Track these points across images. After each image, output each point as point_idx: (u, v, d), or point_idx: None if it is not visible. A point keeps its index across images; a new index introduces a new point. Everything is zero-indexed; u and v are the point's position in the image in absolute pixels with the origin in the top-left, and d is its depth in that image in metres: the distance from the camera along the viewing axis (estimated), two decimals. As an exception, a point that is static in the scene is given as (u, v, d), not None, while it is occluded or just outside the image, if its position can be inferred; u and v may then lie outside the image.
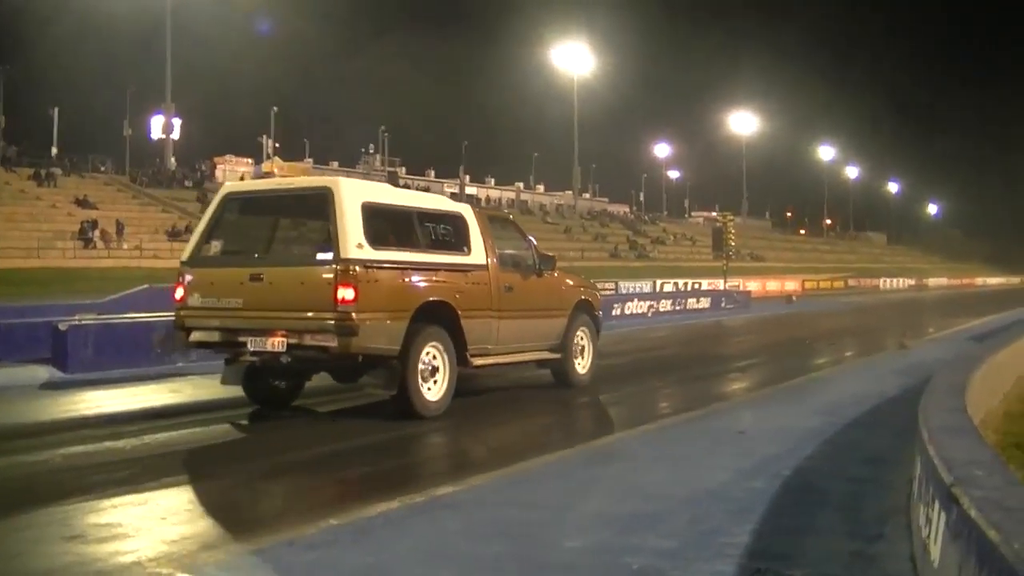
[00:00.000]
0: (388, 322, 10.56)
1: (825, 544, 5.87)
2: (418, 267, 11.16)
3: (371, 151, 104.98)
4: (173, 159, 68.35)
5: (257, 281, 10.57)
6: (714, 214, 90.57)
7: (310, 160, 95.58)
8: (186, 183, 65.38)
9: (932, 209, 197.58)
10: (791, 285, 71.51)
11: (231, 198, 11.74)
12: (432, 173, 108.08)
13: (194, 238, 11.57)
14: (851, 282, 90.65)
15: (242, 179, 72.60)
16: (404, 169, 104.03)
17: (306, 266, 10.53)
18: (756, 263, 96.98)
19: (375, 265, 10.44)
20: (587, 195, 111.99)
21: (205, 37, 72.04)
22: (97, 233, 49.39)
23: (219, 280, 10.92)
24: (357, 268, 10.20)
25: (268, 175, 79.95)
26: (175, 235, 52.87)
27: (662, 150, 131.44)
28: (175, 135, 68.30)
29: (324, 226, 10.63)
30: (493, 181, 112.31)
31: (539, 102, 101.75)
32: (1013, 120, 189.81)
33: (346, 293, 10.11)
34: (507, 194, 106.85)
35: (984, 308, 40.23)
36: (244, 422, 10.95)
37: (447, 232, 12.02)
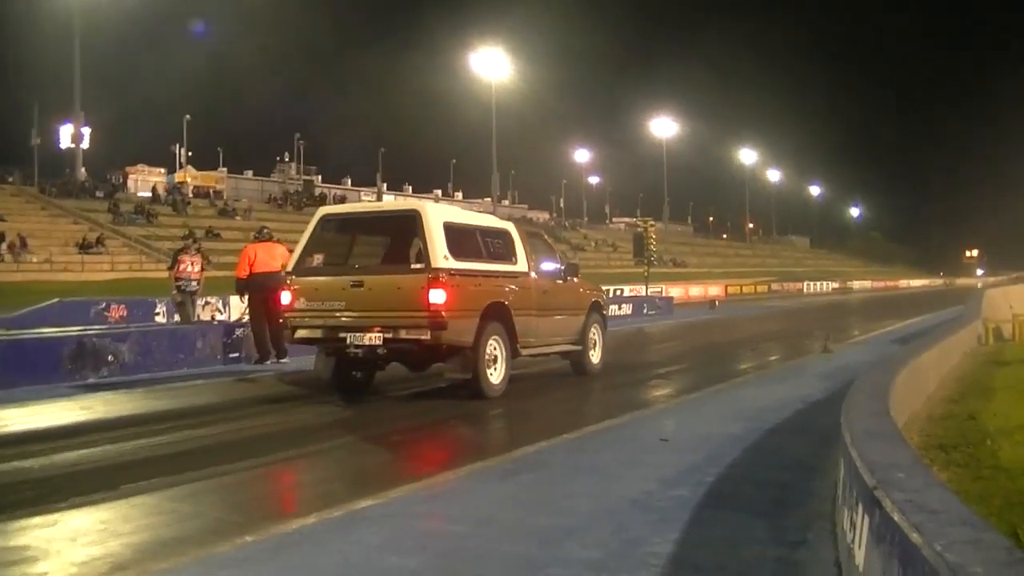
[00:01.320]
0: (465, 319, 13.14)
1: (749, 552, 5.86)
2: (483, 274, 13.81)
3: (286, 159, 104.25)
4: (83, 169, 67.04)
5: (358, 287, 13.16)
6: (635, 220, 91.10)
7: (224, 169, 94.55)
8: (97, 193, 64.37)
9: (854, 212, 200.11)
10: (714, 290, 72.48)
11: (327, 219, 14.40)
12: (349, 181, 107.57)
13: (296, 252, 13.99)
14: (774, 286, 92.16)
15: (154, 188, 72.04)
16: (320, 177, 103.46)
17: (402, 275, 13.09)
18: (678, 269, 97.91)
19: (457, 273, 13.00)
20: (506, 202, 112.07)
21: (116, 45, 71.08)
22: (4, 246, 48.42)
23: (323, 287, 13.46)
24: (445, 276, 12.75)
25: (181, 184, 79.10)
26: (86, 248, 52.07)
27: (582, 156, 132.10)
28: (84, 144, 66.91)
29: (414, 242, 13.34)
30: (411, 189, 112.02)
31: (457, 109, 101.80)
32: (935, 122, 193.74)
33: (437, 296, 12.68)
34: (415, 200, 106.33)
35: (907, 310, 41.09)
36: (159, 439, 10.74)
37: (499, 245, 14.67)
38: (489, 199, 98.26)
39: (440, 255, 12.84)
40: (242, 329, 18.55)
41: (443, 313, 12.69)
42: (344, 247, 14.88)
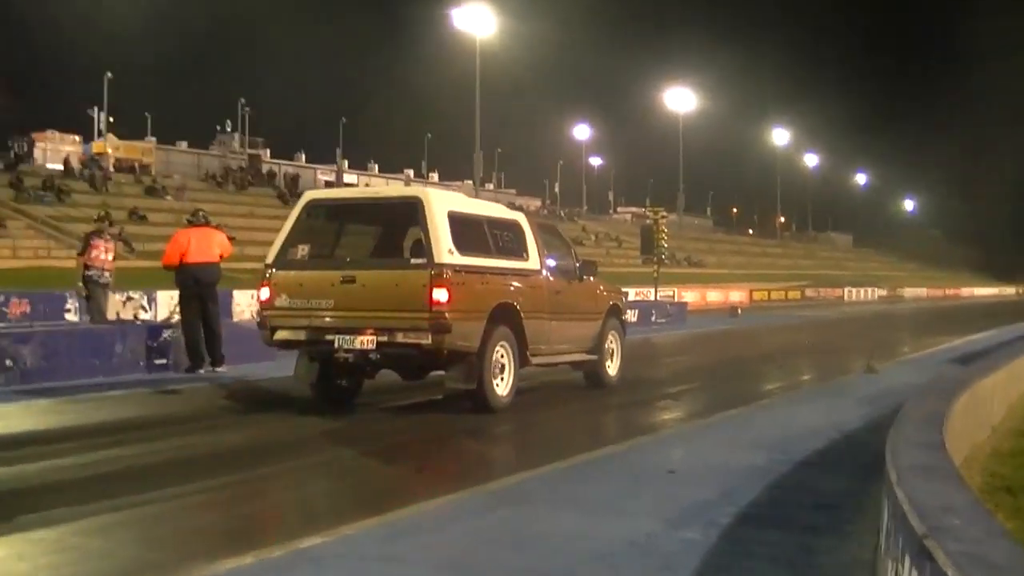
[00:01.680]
0: (471, 322, 13.50)
1: (771, 609, 5.83)
2: (492, 272, 14.25)
3: (228, 129, 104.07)
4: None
5: (349, 283, 13.50)
6: (644, 210, 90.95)
7: (152, 139, 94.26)
8: (-2, 164, 64.22)
9: (908, 206, 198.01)
10: (736, 295, 72.62)
11: (314, 204, 14.93)
12: (303, 157, 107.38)
13: (277, 242, 14.31)
14: (809, 292, 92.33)
15: (66, 160, 71.69)
16: (268, 152, 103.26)
17: (401, 270, 13.51)
18: (694, 269, 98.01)
19: (462, 269, 13.40)
20: (490, 186, 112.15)
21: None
22: None
23: (309, 282, 13.82)
24: (449, 272, 13.11)
25: (100, 156, 78.79)
26: (-14, 226, 51.85)
27: (582, 132, 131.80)
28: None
29: (414, 233, 13.99)
30: (377, 168, 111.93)
31: (435, 74, 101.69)
32: (1009, 101, 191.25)
33: (440, 295, 13.00)
34: (394, 183, 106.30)
35: (971, 324, 40.93)
36: (65, 460, 10.66)
37: (509, 239, 15.11)
38: (470, 182, 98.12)
39: (444, 249, 13.22)
40: (171, 331, 18.44)
41: (447, 314, 13.04)
42: (333, 237, 15.34)
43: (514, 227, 15.49)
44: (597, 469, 9.93)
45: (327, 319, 13.61)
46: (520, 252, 15.21)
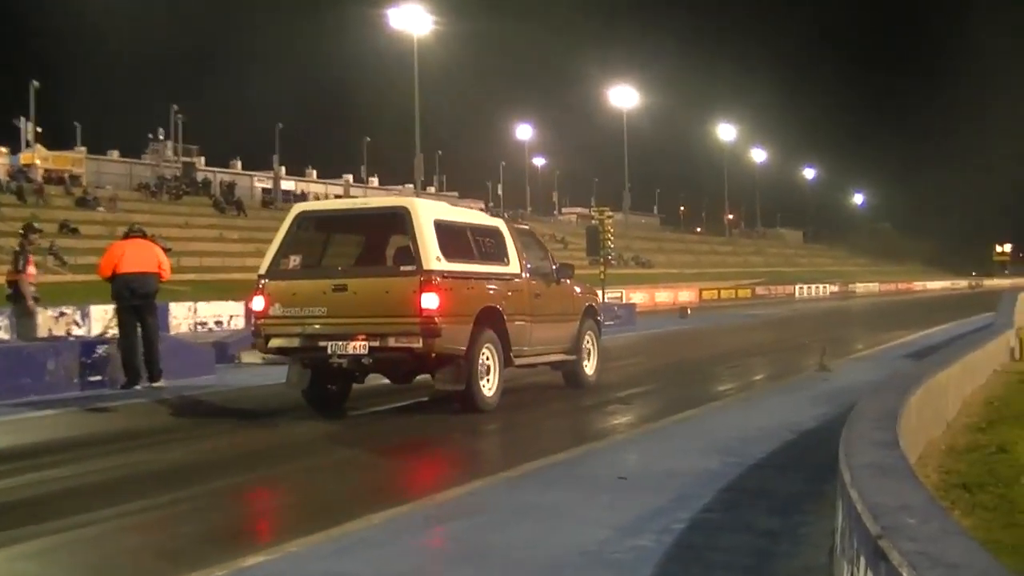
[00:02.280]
0: (459, 325, 14.25)
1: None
2: (476, 276, 15.10)
3: (161, 137, 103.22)
4: None
5: (341, 291, 14.31)
6: (589, 210, 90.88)
7: (83, 149, 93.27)
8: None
9: (857, 200, 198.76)
10: (686, 295, 73.07)
11: (304, 217, 15.63)
12: (239, 164, 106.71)
13: (269, 253, 15.09)
14: (760, 290, 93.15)
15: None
16: (203, 159, 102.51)
17: (391, 277, 14.42)
18: (642, 269, 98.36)
19: (450, 275, 14.23)
20: (432, 188, 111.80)
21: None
22: None
23: (302, 291, 14.62)
24: (438, 278, 13.96)
25: (28, 167, 78.03)
26: None
27: (525, 133, 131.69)
28: None
29: (402, 241, 14.77)
30: (316, 173, 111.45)
31: (373, 77, 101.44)
32: (957, 91, 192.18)
33: (430, 300, 13.82)
34: (333, 189, 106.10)
35: (923, 319, 41.18)
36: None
37: (490, 244, 15.97)
38: (411, 185, 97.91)
39: (432, 256, 14.05)
40: (106, 346, 18.25)
41: (436, 319, 13.86)
42: (323, 248, 16.31)
43: (495, 233, 16.36)
44: (549, 477, 9.92)
45: (320, 326, 14.35)
46: (501, 257, 16.07)
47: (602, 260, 48.10)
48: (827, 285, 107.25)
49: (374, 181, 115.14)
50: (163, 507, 9.47)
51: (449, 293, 14.11)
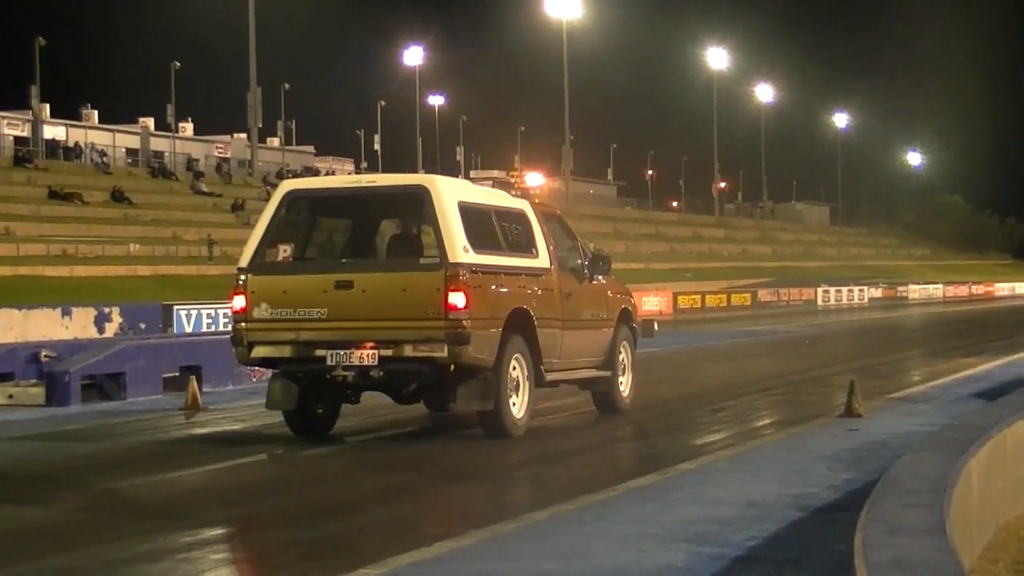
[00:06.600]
0: (488, 331, 13.19)
1: None
2: (505, 271, 13.95)
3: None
4: None
5: (345, 288, 13.17)
6: (508, 173, 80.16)
7: None
8: None
9: (912, 161, 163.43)
10: (653, 302, 59.70)
11: (295, 196, 14.31)
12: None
13: (251, 242, 13.84)
14: (764, 295, 78.36)
15: None
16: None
17: (408, 272, 13.50)
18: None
19: (479, 270, 13.17)
20: (275, 140, 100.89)
21: None
22: None
23: (295, 288, 13.51)
24: (466, 273, 12.87)
25: None
26: None
27: (414, 57, 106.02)
28: None
29: (419, 228, 14.23)
30: (97, 115, 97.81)
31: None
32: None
33: (457, 300, 12.72)
34: (128, 138, 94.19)
35: (1010, 340, 34.23)
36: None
37: (517, 232, 14.73)
38: (242, 135, 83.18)
39: (459, 246, 13.01)
40: None
41: (465, 322, 12.83)
42: (321, 235, 15.55)
43: (521, 217, 15.02)
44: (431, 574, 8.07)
45: (318, 331, 13.37)
46: (529, 247, 14.83)
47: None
48: (866, 287, 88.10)
49: (187, 128, 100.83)
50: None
51: (479, 291, 13.07)
